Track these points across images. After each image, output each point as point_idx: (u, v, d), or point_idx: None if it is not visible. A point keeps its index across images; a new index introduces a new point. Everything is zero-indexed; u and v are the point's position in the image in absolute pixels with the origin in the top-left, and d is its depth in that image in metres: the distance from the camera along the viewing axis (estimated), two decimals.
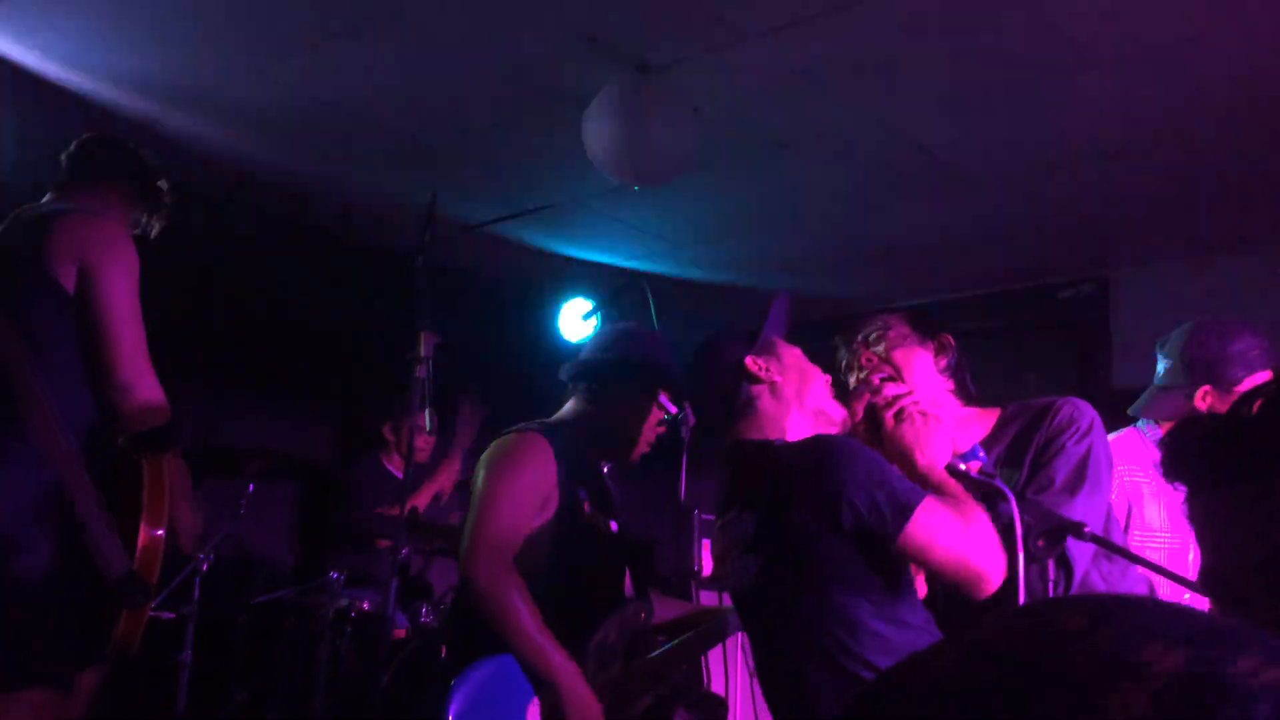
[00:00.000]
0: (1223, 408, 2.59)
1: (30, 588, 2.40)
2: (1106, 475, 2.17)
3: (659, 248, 5.82)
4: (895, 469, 1.91)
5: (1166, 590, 2.36)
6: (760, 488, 1.98)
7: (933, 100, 4.03)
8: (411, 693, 3.17)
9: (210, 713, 3.83)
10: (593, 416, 2.66)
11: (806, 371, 2.17)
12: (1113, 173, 4.58)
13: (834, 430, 2.14)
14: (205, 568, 3.86)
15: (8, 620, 2.40)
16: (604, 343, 2.77)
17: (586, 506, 2.54)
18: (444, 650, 3.76)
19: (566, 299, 5.89)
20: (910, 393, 2.15)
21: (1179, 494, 2.64)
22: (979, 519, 1.87)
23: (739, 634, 5.15)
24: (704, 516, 5.33)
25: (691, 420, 3.78)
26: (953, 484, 1.97)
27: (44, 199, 2.73)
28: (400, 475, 4.33)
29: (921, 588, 2.04)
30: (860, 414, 2.14)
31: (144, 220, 2.87)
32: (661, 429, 2.75)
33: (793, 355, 2.19)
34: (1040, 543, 1.90)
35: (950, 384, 2.34)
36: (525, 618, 2.30)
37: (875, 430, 2.11)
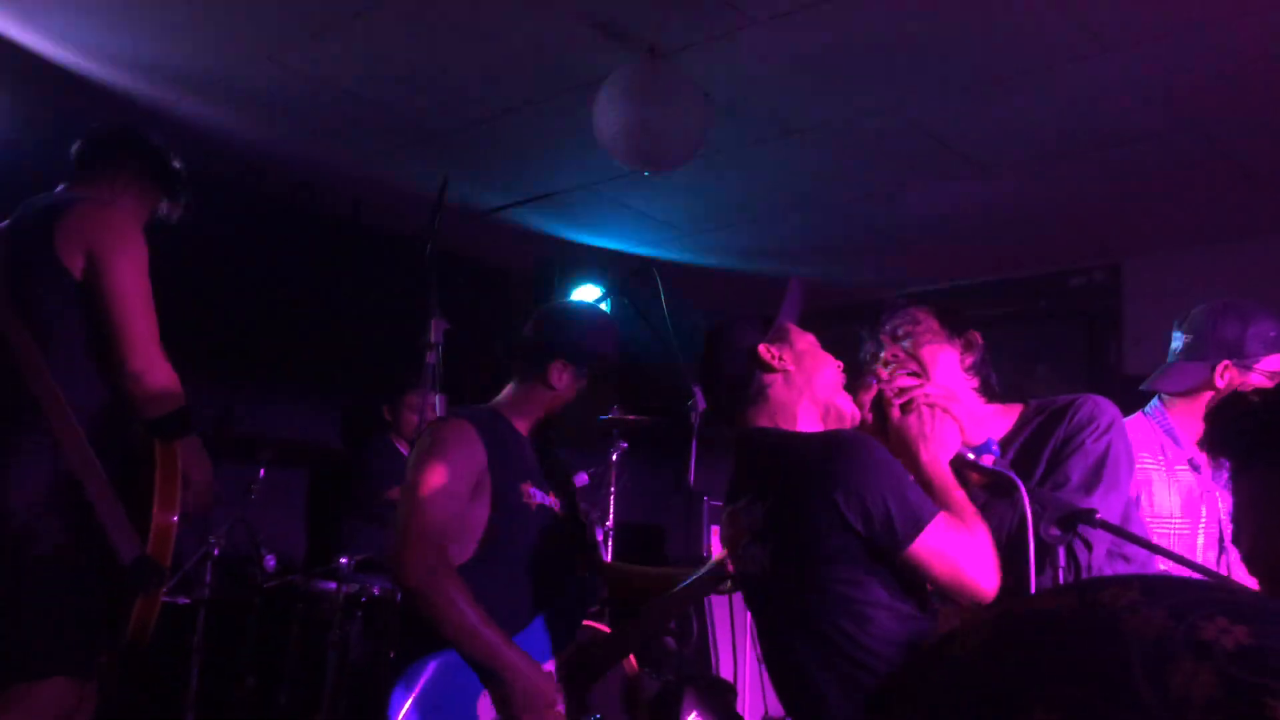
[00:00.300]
0: (1241, 384, 2.59)
1: (47, 576, 2.42)
2: (1125, 474, 2.14)
3: (669, 234, 5.81)
4: (910, 478, 1.90)
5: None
6: (774, 477, 1.97)
7: (943, 85, 4.01)
8: None
9: (222, 697, 3.85)
10: (526, 397, 2.61)
11: (819, 360, 2.16)
12: (1125, 159, 4.56)
13: (844, 421, 2.13)
14: (216, 553, 3.88)
15: (26, 610, 2.42)
16: (536, 322, 2.70)
17: (526, 487, 2.49)
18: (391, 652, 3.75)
19: (576, 285, 5.89)
20: (922, 385, 2.14)
21: (1187, 479, 2.63)
22: (981, 535, 1.87)
23: (748, 623, 5.16)
24: (713, 502, 5.36)
25: (701, 406, 3.78)
26: (954, 485, 1.96)
27: (57, 189, 2.73)
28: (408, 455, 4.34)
29: None
30: (868, 405, 2.13)
31: (163, 207, 2.86)
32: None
33: (806, 342, 2.17)
34: (1053, 530, 1.89)
35: (974, 382, 2.31)
36: (464, 611, 2.24)
37: (882, 421, 2.10)
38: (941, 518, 1.84)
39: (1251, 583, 1.29)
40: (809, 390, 2.11)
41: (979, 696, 0.47)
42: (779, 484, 1.95)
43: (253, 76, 4.22)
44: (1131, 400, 2.86)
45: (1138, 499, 2.58)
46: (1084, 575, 2.10)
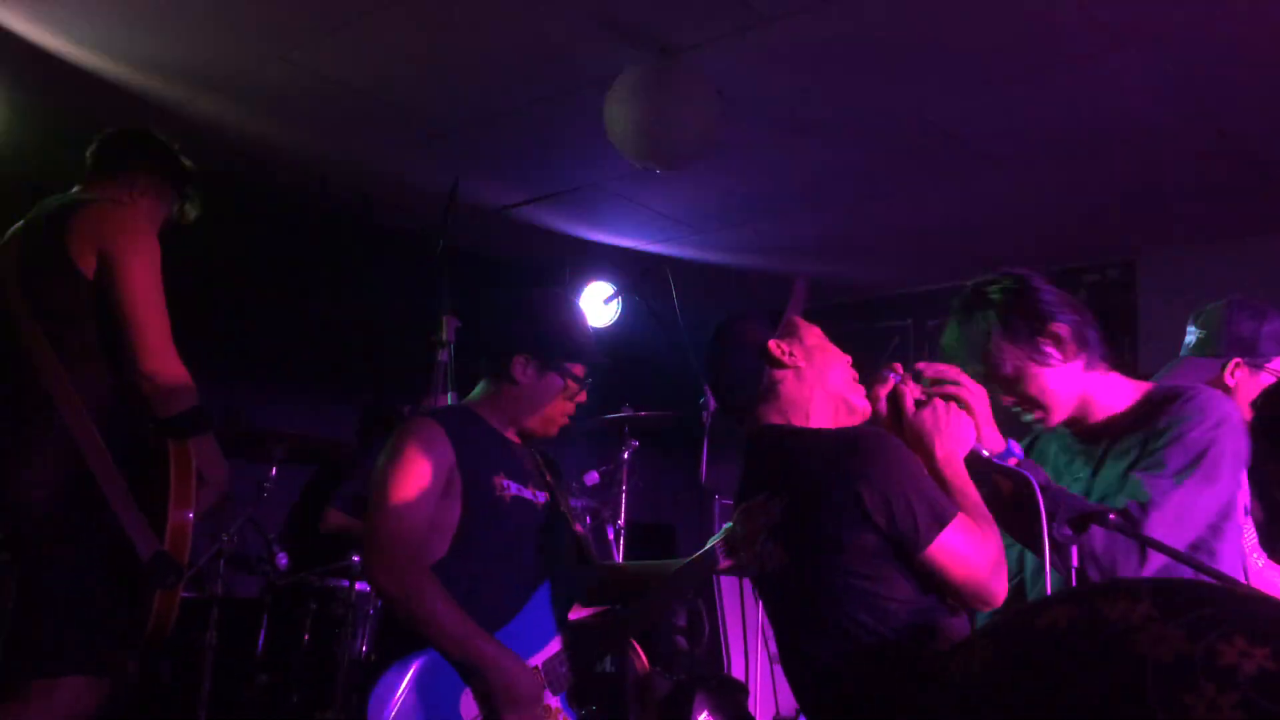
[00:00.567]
0: (1250, 383, 2.58)
1: (65, 575, 2.43)
2: (1228, 473, 2.05)
3: (680, 231, 5.80)
4: (930, 478, 1.89)
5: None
6: (793, 473, 1.95)
7: (956, 82, 4.00)
8: None
9: (234, 695, 3.86)
10: (496, 394, 2.55)
11: (829, 354, 2.15)
12: (1139, 154, 4.53)
13: (856, 415, 2.12)
14: (228, 551, 3.89)
15: (44, 608, 2.43)
16: (492, 315, 2.65)
17: (499, 480, 2.44)
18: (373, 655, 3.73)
19: (588, 283, 5.88)
20: (957, 383, 2.09)
21: None
22: (994, 537, 1.86)
23: (760, 622, 5.15)
24: (724, 501, 5.34)
25: (713, 404, 3.77)
26: (968, 482, 1.94)
27: (72, 189, 2.74)
28: None
29: None
30: (883, 400, 2.11)
31: (177, 208, 2.87)
32: (580, 399, 2.60)
33: (815, 337, 2.16)
34: (1066, 530, 1.88)
35: (1097, 370, 2.20)
36: (440, 610, 2.22)
37: (896, 416, 2.08)
38: (960, 519, 1.83)
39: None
40: (820, 385, 2.10)
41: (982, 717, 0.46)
42: (799, 479, 1.94)
43: (263, 75, 4.22)
44: None
45: (1247, 507, 2.48)
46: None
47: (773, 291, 2.18)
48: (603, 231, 5.88)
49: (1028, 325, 2.17)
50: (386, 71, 4.18)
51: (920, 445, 2.00)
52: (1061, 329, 2.16)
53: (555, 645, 2.45)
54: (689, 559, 2.62)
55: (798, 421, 2.07)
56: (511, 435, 2.57)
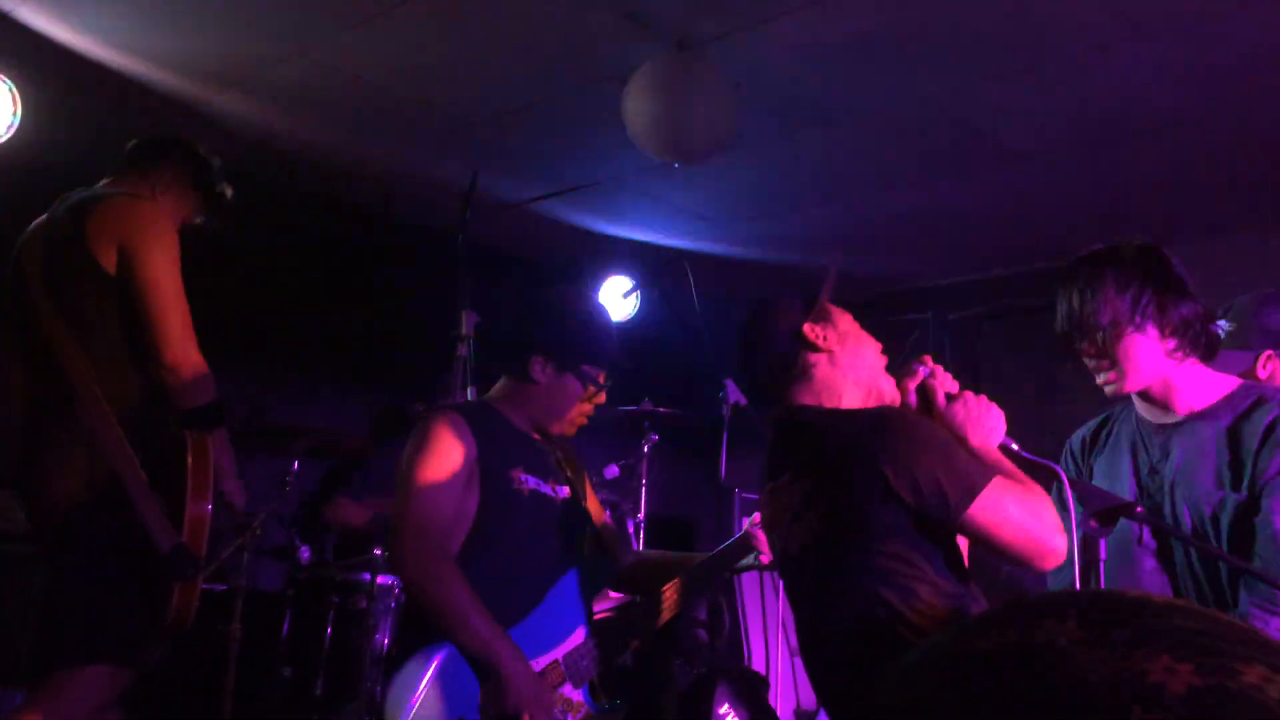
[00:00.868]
0: None
1: (86, 567, 2.46)
2: None
3: (699, 225, 5.80)
4: (959, 448, 1.89)
5: None
6: (818, 453, 1.96)
7: (976, 73, 3.98)
8: None
9: (259, 688, 3.88)
10: (515, 391, 2.57)
11: (862, 341, 2.16)
12: (1162, 146, 4.50)
13: (885, 402, 2.13)
14: (253, 543, 3.91)
15: (67, 599, 2.47)
16: (511, 314, 2.66)
17: (517, 474, 2.46)
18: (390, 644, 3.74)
19: (606, 277, 5.89)
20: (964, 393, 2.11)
21: None
22: (1043, 496, 1.85)
23: (780, 615, 5.15)
24: (744, 495, 5.35)
25: (732, 399, 3.77)
26: (1006, 463, 1.95)
27: (100, 183, 2.76)
28: None
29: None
30: (912, 392, 2.12)
31: (197, 217, 2.88)
32: (599, 400, 2.60)
33: (847, 322, 2.17)
34: (1093, 523, 1.88)
35: (1187, 360, 2.20)
36: (462, 604, 2.23)
37: (927, 409, 2.09)
38: (998, 481, 1.83)
39: None
40: (853, 371, 2.11)
41: None
42: (824, 460, 1.94)
43: (282, 71, 4.24)
44: None
45: None
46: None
47: (792, 285, 2.18)
48: (621, 226, 5.88)
49: (1140, 286, 2.17)
50: (406, 67, 4.20)
51: (951, 437, 2.01)
52: (1169, 305, 2.16)
53: (577, 638, 2.46)
54: (724, 545, 2.63)
55: (829, 404, 2.08)
56: (532, 431, 2.58)
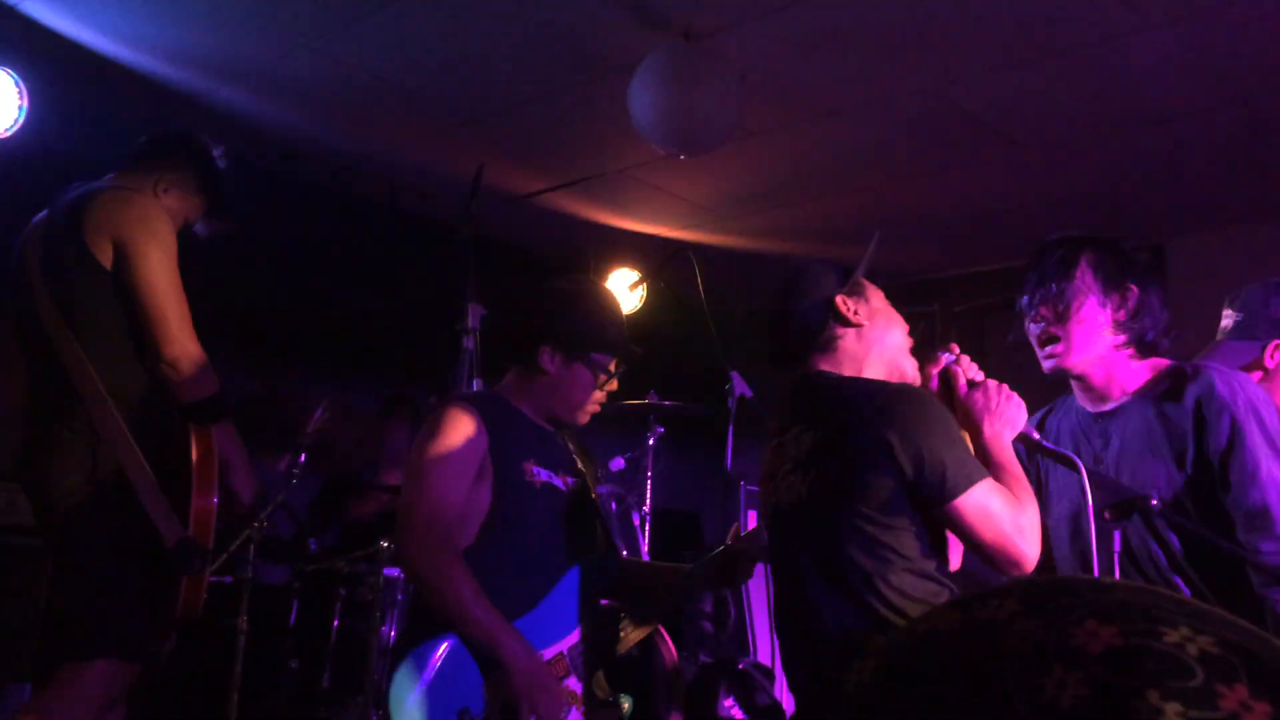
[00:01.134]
0: None
1: (93, 561, 2.46)
2: None
3: (705, 217, 5.79)
4: (966, 442, 1.93)
5: None
6: (831, 411, 1.99)
7: (983, 64, 3.96)
8: None
9: (266, 680, 3.90)
10: (525, 382, 2.56)
11: (891, 319, 2.18)
12: (1168, 137, 4.48)
13: (906, 380, 2.15)
14: (260, 535, 3.92)
15: (74, 593, 2.47)
16: (520, 305, 2.64)
17: (529, 466, 2.45)
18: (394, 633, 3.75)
19: (613, 269, 5.88)
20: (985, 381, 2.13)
21: None
22: (1030, 508, 1.89)
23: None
24: (750, 488, 5.34)
25: (738, 391, 3.76)
26: (1014, 463, 1.97)
27: (105, 177, 2.76)
28: None
29: (955, 559, 2.04)
30: (935, 378, 2.14)
31: (200, 219, 2.86)
32: (611, 387, 2.59)
33: (879, 300, 2.20)
34: (1106, 515, 1.89)
35: (1120, 338, 2.27)
36: (465, 596, 2.23)
37: (949, 395, 2.11)
38: (990, 481, 1.87)
39: None
40: (878, 347, 2.14)
41: None
42: (835, 416, 1.98)
43: (287, 64, 4.24)
44: None
45: None
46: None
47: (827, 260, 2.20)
48: (627, 218, 5.87)
49: (1120, 273, 2.25)
50: (410, 59, 4.19)
51: (969, 423, 2.04)
52: (1133, 293, 2.24)
53: (586, 629, 2.47)
54: (709, 555, 2.63)
55: (849, 374, 2.09)
56: (543, 422, 2.57)
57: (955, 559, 2.04)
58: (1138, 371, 2.29)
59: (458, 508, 2.35)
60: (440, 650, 2.26)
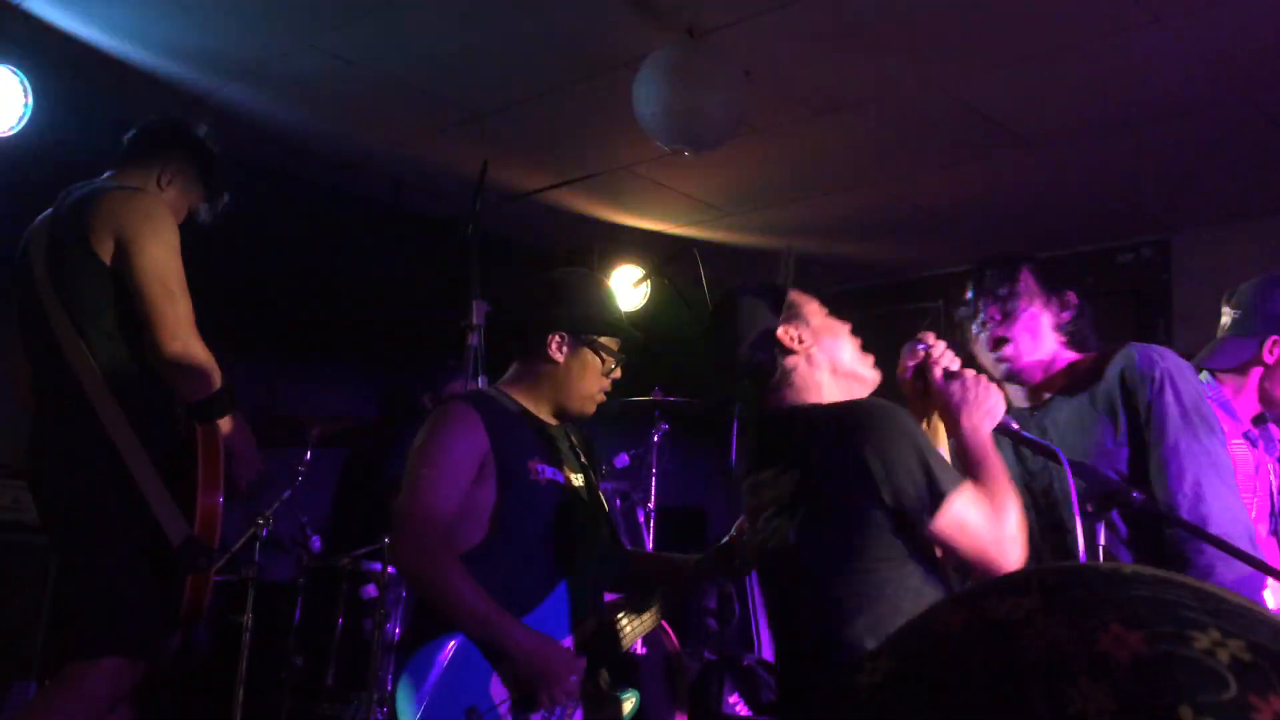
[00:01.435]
0: None
1: (99, 559, 2.46)
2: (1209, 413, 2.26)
3: (709, 214, 5.79)
4: (937, 450, 1.89)
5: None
6: (807, 448, 1.95)
7: (988, 59, 3.95)
8: None
9: (270, 677, 3.90)
10: (531, 375, 2.55)
11: (835, 330, 2.13)
12: (1175, 132, 4.47)
13: (867, 386, 2.11)
14: (265, 533, 3.93)
15: (81, 591, 2.47)
16: (527, 296, 2.63)
17: (533, 464, 2.43)
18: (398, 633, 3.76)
19: (617, 266, 5.88)
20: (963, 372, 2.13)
21: (1243, 454, 2.61)
22: (1009, 509, 1.85)
23: None
24: None
25: None
26: (992, 453, 1.93)
27: (103, 175, 2.76)
28: None
29: None
30: (910, 370, 2.10)
31: (201, 210, 2.87)
32: (615, 375, 2.59)
33: (815, 313, 2.14)
34: (1089, 507, 1.89)
35: (1062, 339, 2.40)
36: (465, 593, 2.23)
37: (926, 388, 2.07)
38: (966, 490, 1.83)
39: None
40: (830, 366, 2.10)
41: None
42: (809, 453, 1.93)
43: (291, 61, 4.24)
44: None
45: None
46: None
47: (803, 273, 2.17)
48: (631, 215, 5.87)
49: (1052, 277, 2.44)
50: (415, 57, 4.19)
51: (946, 414, 2.00)
52: (1072, 299, 2.40)
53: (590, 624, 2.46)
54: (708, 552, 2.63)
55: (812, 399, 2.06)
56: (546, 417, 2.57)
57: None
58: (1070, 366, 2.40)
59: (455, 508, 2.34)
60: (446, 649, 2.26)
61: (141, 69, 4.32)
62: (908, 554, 1.84)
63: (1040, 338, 2.36)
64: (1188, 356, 2.80)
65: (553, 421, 2.58)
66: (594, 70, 4.17)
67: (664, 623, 3.21)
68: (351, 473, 5.15)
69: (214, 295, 2.64)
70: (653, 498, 4.76)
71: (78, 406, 2.48)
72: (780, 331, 2.07)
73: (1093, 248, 5.83)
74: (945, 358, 2.07)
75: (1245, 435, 2.62)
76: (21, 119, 4.06)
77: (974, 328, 2.42)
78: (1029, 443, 2.09)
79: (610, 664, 2.49)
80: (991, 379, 2.05)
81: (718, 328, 2.17)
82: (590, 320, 2.53)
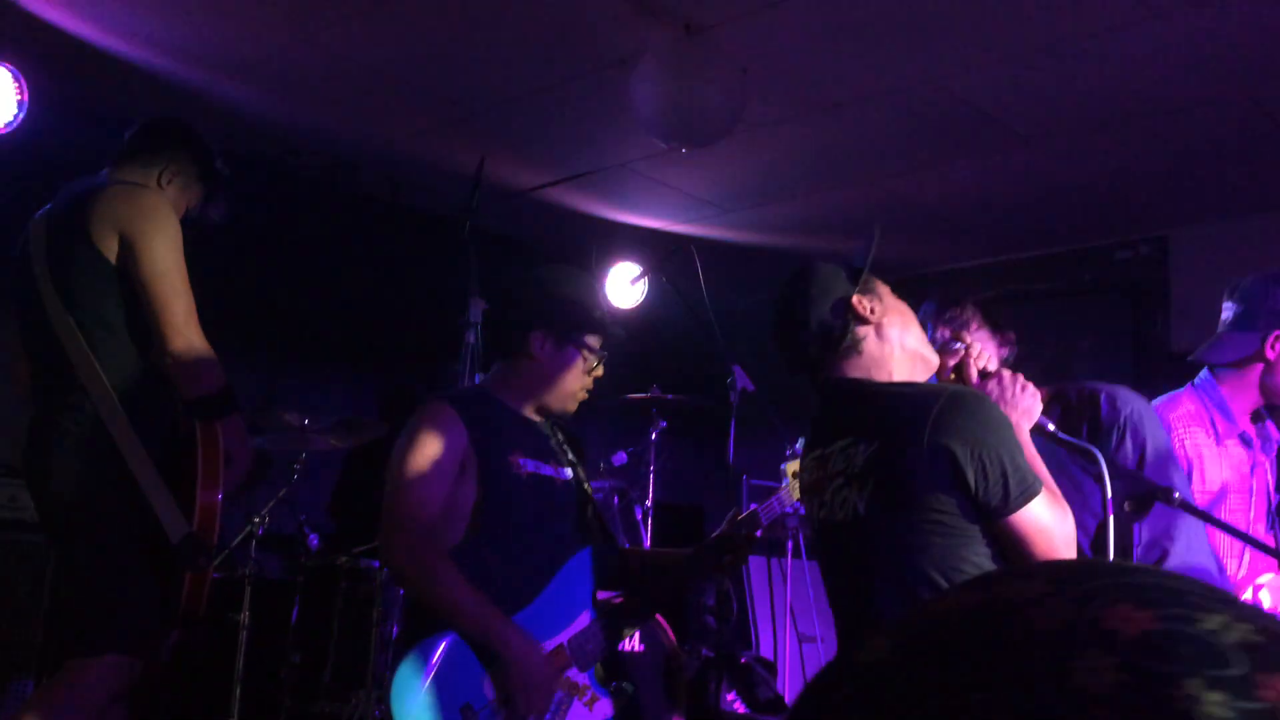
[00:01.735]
0: None
1: (98, 556, 2.46)
2: (1173, 455, 2.30)
3: (706, 211, 5.78)
4: (1023, 446, 1.89)
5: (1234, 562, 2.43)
6: (882, 421, 1.94)
7: (986, 55, 3.95)
8: None
9: (268, 674, 3.90)
10: (514, 372, 2.56)
11: (904, 312, 2.15)
12: (1173, 128, 4.46)
13: (931, 369, 2.13)
14: (261, 532, 3.93)
15: (79, 588, 2.47)
16: (509, 293, 2.65)
17: (515, 458, 2.44)
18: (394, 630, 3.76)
19: (614, 263, 5.87)
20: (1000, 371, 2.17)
21: (1238, 453, 2.61)
22: (1069, 514, 1.87)
23: (788, 601, 5.14)
24: (753, 481, 5.34)
25: (740, 385, 3.76)
26: (1034, 455, 1.94)
27: (101, 172, 2.75)
28: None
29: None
30: (950, 371, 2.12)
31: (199, 207, 2.87)
32: (597, 374, 2.60)
33: (887, 292, 2.15)
34: (1126, 507, 1.88)
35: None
36: (456, 591, 2.23)
37: (962, 385, 2.09)
38: (1046, 492, 1.84)
39: None
40: (899, 343, 2.09)
41: (884, 709, 0.45)
42: (890, 427, 1.92)
43: (286, 57, 4.23)
44: (1179, 375, 2.82)
45: (1189, 470, 2.58)
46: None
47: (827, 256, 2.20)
48: (629, 212, 5.86)
49: (995, 316, 2.61)
50: (411, 53, 4.18)
51: None
52: (1011, 336, 2.62)
53: (582, 622, 2.46)
54: (705, 541, 2.63)
55: (880, 378, 2.06)
56: (530, 413, 2.57)
57: None
58: None
59: (439, 506, 2.35)
60: (442, 647, 2.26)
61: (136, 66, 4.30)
62: (981, 540, 1.85)
63: (986, 348, 2.47)
64: (1185, 353, 2.80)
65: (537, 418, 2.59)
66: (591, 67, 4.16)
67: (662, 620, 3.21)
68: (352, 471, 5.16)
69: (212, 292, 2.64)
70: (650, 495, 4.76)
71: (77, 402, 2.48)
72: (856, 299, 2.08)
73: (1091, 244, 5.84)
74: (982, 358, 2.09)
75: (1240, 436, 2.62)
76: (15, 116, 4.05)
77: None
78: (1063, 441, 2.09)
79: (606, 658, 2.50)
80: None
81: (792, 290, 2.16)
82: (573, 318, 2.54)
